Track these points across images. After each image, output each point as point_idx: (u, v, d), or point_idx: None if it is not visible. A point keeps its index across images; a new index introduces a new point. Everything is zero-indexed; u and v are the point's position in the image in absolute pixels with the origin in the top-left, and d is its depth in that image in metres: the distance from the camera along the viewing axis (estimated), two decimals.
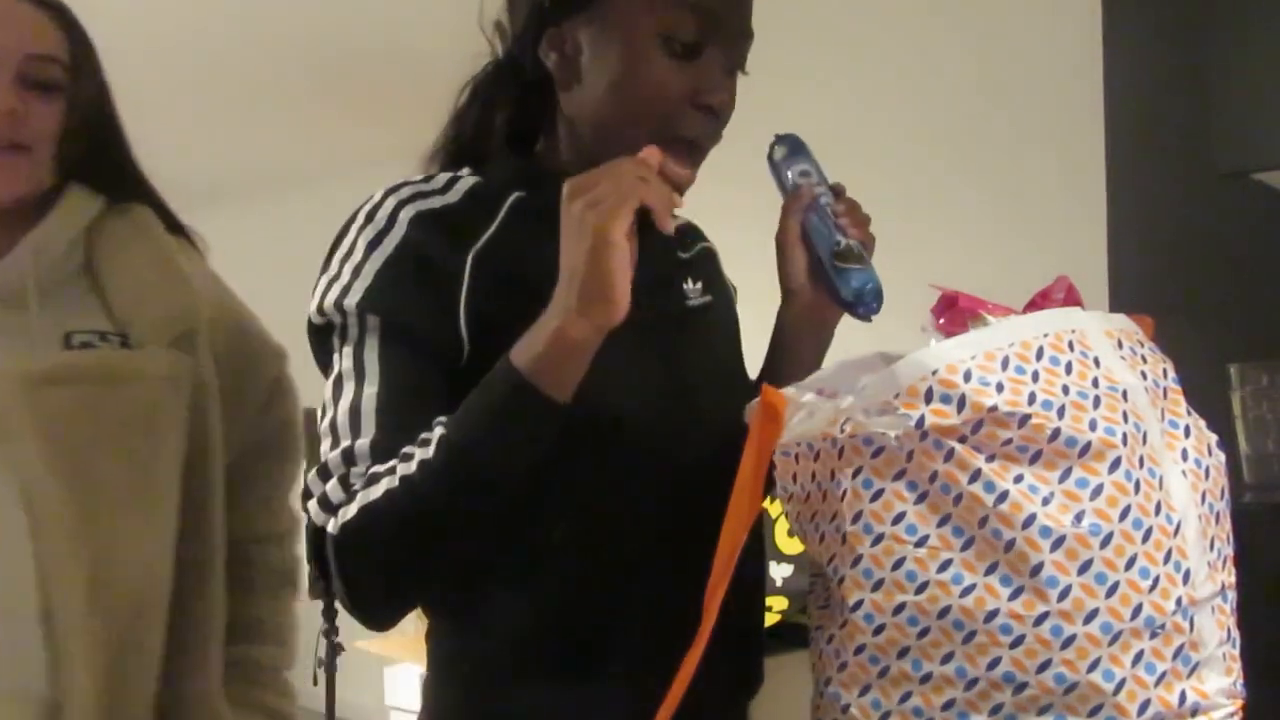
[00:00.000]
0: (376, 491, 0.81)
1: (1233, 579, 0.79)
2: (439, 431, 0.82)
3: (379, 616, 0.88)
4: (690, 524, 0.88)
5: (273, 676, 1.17)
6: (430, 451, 0.81)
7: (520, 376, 0.80)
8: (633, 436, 0.91)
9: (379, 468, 0.83)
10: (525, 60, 0.97)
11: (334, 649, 3.00)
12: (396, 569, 0.84)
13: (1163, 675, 0.71)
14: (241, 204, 5.75)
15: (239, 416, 1.12)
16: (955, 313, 0.79)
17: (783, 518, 2.03)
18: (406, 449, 0.83)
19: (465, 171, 0.96)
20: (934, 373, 0.72)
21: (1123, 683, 0.70)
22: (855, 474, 0.77)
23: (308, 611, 5.01)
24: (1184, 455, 0.77)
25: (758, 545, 1.03)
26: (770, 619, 2.12)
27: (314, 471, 0.86)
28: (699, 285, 1.03)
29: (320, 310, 0.89)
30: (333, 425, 0.86)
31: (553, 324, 0.80)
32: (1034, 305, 0.82)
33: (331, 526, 0.83)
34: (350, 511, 0.82)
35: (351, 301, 0.87)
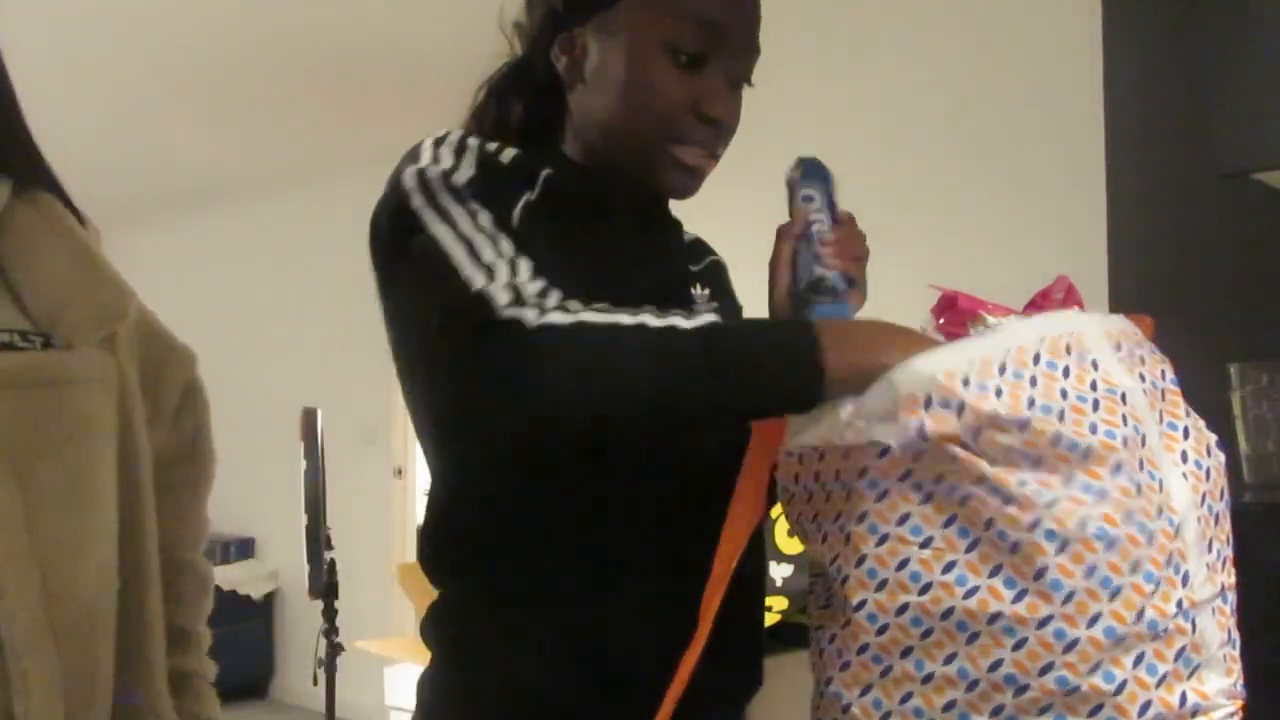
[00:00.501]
0: (599, 319, 0.78)
1: (1232, 580, 0.78)
2: (708, 317, 0.80)
3: (514, 415, 0.81)
4: (691, 526, 0.89)
5: (205, 687, 1.14)
6: (686, 323, 0.79)
7: (820, 344, 0.77)
8: (635, 437, 0.91)
9: (600, 308, 0.80)
10: (539, 62, 0.99)
11: (334, 649, 3.00)
12: (581, 392, 0.79)
13: (1164, 677, 0.70)
14: (241, 204, 5.75)
15: (156, 421, 1.07)
16: (955, 313, 0.79)
17: (783, 518, 2.03)
18: (650, 311, 0.80)
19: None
20: (932, 380, 0.72)
21: (1124, 684, 0.70)
22: (861, 474, 0.77)
23: (307, 611, 5.00)
24: (1183, 457, 0.77)
25: (758, 546, 1.03)
26: (770, 619, 2.12)
27: (472, 269, 0.82)
28: (706, 292, 1.05)
29: (423, 180, 0.88)
30: (464, 239, 0.84)
31: (879, 345, 0.77)
32: (1034, 306, 0.82)
33: (533, 317, 0.78)
34: (561, 318, 0.78)
35: (461, 179, 0.88)
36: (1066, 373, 0.73)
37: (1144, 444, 0.74)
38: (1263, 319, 1.69)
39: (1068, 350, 0.74)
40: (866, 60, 3.11)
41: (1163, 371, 0.80)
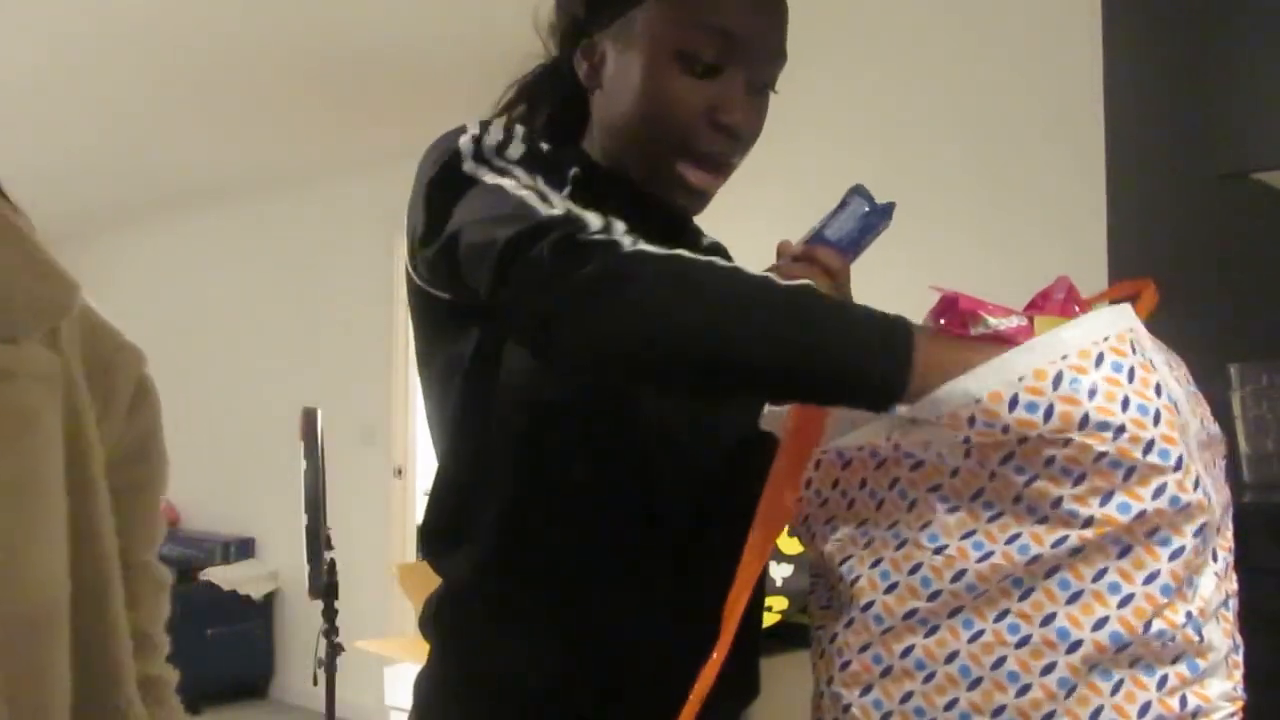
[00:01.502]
0: (694, 256, 0.75)
1: (1235, 586, 0.78)
2: (805, 281, 0.76)
3: (594, 329, 0.76)
4: (690, 527, 0.89)
5: (168, 693, 1.13)
6: (781, 281, 0.75)
7: (915, 342, 0.72)
8: (646, 437, 0.92)
9: (660, 251, 0.76)
10: (565, 67, 1.00)
11: (334, 649, 3.00)
12: (673, 313, 0.74)
13: (1164, 679, 0.70)
14: (241, 205, 5.75)
15: (107, 419, 1.06)
16: (956, 314, 0.78)
17: None
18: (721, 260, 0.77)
19: None
20: (977, 401, 0.69)
21: (1120, 683, 0.70)
22: (892, 485, 0.77)
23: (307, 611, 4.99)
24: (1207, 468, 0.76)
25: None
26: (770, 619, 2.11)
27: (547, 208, 0.80)
28: None
29: (477, 146, 0.89)
30: (530, 189, 0.83)
31: (961, 362, 0.71)
32: (1034, 306, 0.82)
33: (629, 243, 0.75)
34: (654, 249, 0.75)
35: (514, 153, 0.89)
36: (1131, 375, 0.69)
37: (1193, 456, 0.71)
38: (1263, 319, 1.69)
39: (1133, 348, 0.70)
40: (866, 62, 3.11)
41: (1186, 376, 0.79)
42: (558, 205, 0.81)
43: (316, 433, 3.00)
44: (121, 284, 6.51)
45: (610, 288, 0.74)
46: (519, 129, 0.93)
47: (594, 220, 0.78)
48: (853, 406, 0.75)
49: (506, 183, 0.85)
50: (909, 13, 3.01)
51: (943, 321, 0.80)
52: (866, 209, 1.00)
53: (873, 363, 0.71)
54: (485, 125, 0.93)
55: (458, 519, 0.97)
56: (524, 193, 0.83)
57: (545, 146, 0.95)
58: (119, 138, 4.72)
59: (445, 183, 0.88)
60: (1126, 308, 0.74)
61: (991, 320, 0.76)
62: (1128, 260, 1.85)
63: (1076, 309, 0.80)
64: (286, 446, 3.64)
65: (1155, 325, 0.84)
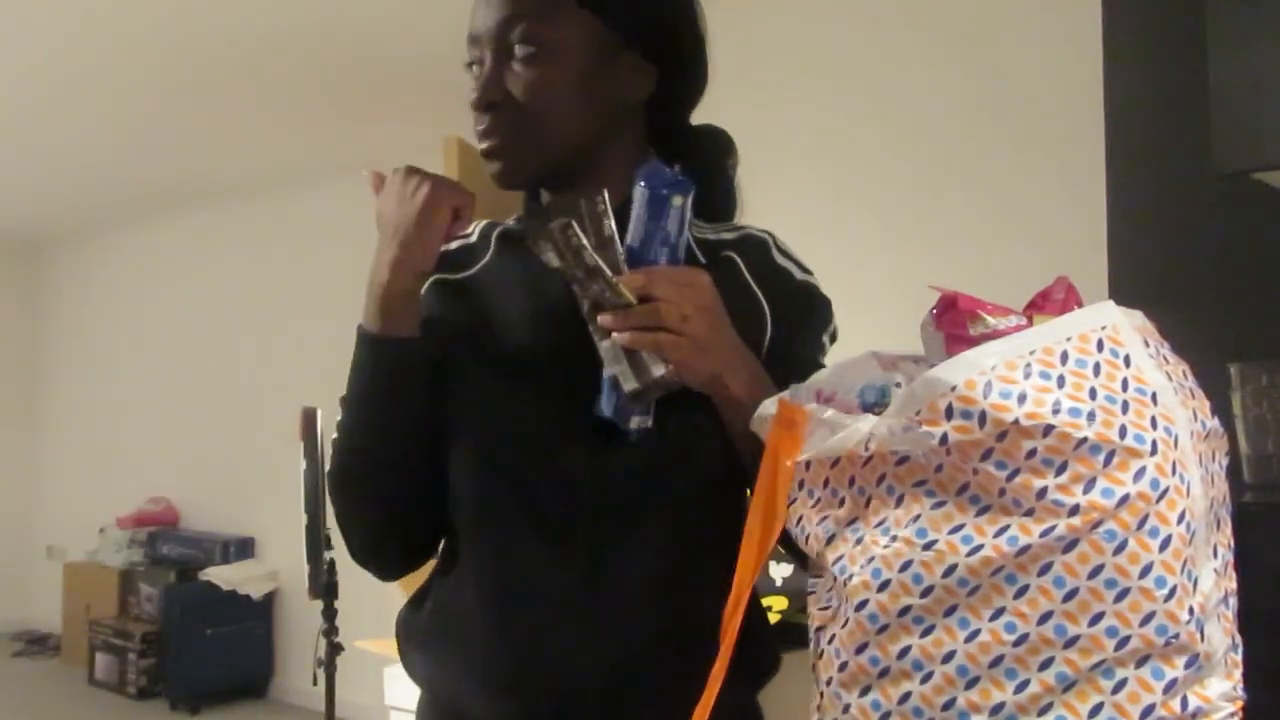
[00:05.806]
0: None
1: (1234, 584, 0.78)
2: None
3: (359, 558, 1.09)
4: (624, 536, 0.96)
5: None
6: (339, 417, 1.03)
7: (365, 330, 1.00)
8: (519, 445, 0.99)
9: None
10: None
11: (334, 649, 3.00)
12: (342, 517, 1.06)
13: (1172, 683, 0.70)
14: (242, 204, 5.75)
15: None
16: (955, 314, 0.79)
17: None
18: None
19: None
20: (952, 389, 0.71)
21: (1124, 682, 0.70)
22: (879, 481, 0.77)
23: (307, 611, 4.97)
24: (1202, 459, 0.76)
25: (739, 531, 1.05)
26: (770, 619, 2.11)
27: None
28: None
29: None
30: None
31: (382, 277, 0.98)
32: (1034, 306, 0.82)
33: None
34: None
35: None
36: (1097, 370, 0.72)
37: (1176, 445, 0.72)
38: (1263, 319, 1.69)
39: (1099, 346, 0.73)
40: (864, 62, 3.11)
41: (1184, 372, 0.80)
42: None
43: (316, 433, 3.00)
44: (120, 284, 6.51)
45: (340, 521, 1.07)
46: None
47: None
48: (417, 370, 1.01)
49: None
50: (910, 11, 3.01)
51: (943, 321, 0.80)
52: (648, 197, 0.89)
53: (386, 362, 1.01)
54: None
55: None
56: None
57: (478, 229, 1.10)
58: (120, 140, 4.72)
59: None
60: (1108, 305, 0.77)
61: (991, 320, 0.77)
62: (1127, 260, 1.85)
63: (1075, 309, 0.80)
64: (286, 446, 3.64)
65: (1156, 325, 0.85)
